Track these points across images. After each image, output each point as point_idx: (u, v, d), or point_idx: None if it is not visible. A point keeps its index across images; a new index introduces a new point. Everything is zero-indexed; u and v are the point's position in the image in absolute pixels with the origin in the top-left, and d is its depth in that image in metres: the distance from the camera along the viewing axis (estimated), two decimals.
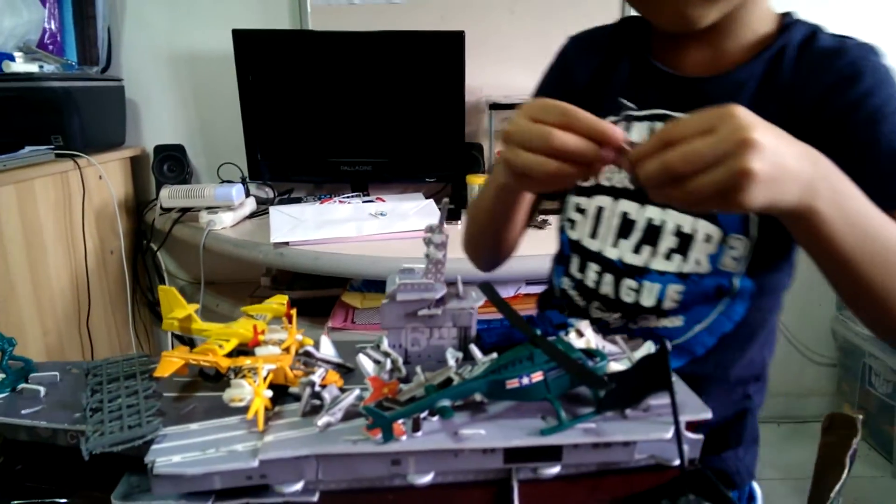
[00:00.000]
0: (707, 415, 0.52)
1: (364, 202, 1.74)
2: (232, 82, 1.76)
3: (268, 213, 1.68)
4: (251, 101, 1.79)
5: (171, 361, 0.53)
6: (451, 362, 0.55)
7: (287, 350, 0.56)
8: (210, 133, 1.97)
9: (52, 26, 1.68)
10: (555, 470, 0.51)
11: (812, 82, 0.69)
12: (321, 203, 1.72)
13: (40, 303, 1.47)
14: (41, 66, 1.56)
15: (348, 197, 1.80)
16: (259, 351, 0.55)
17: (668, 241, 0.73)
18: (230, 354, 0.55)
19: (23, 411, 0.51)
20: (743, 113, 0.47)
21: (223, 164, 1.87)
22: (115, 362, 0.57)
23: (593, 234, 0.79)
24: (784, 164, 0.48)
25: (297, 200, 1.81)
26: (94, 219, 1.67)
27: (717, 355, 0.75)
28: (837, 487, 0.61)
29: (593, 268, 0.79)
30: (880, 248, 0.56)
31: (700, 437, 0.53)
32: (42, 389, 0.53)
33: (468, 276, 0.63)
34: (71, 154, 1.56)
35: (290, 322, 0.59)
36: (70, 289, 1.58)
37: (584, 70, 0.84)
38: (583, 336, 0.56)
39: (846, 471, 0.61)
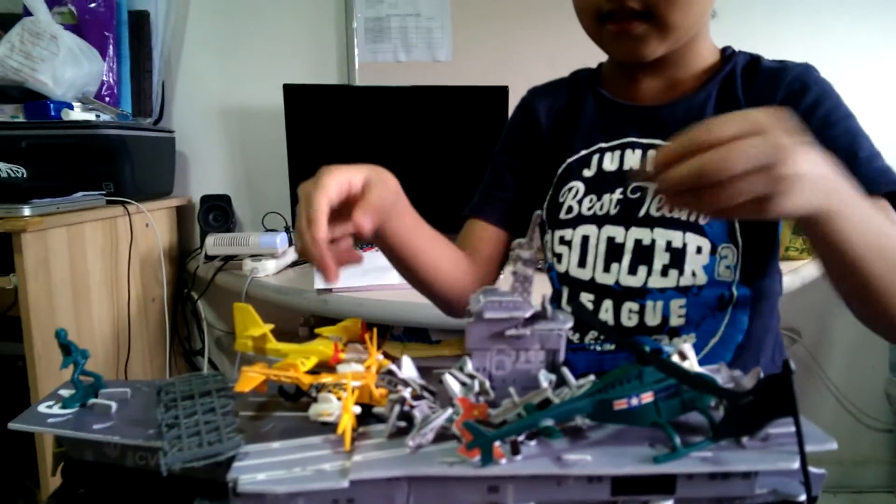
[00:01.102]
0: (832, 445, 0.48)
1: None
2: (279, 135, 1.80)
3: (309, 262, 1.67)
4: (298, 152, 1.81)
5: (252, 377, 0.50)
6: (545, 384, 0.51)
7: (369, 369, 0.53)
8: (256, 183, 2.00)
9: (111, 79, 1.74)
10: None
11: (765, 99, 0.75)
12: (364, 251, 1.71)
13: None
14: (98, 116, 1.60)
15: None
16: (341, 368, 0.52)
17: (661, 259, 0.76)
18: (310, 373, 0.52)
19: (94, 426, 0.48)
20: (786, 115, 0.47)
21: (268, 213, 1.88)
22: (188, 380, 0.55)
23: (581, 263, 0.81)
24: (817, 170, 0.49)
25: None
26: (138, 266, 1.67)
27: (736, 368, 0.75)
28: None
29: (586, 297, 0.81)
30: (885, 243, 0.57)
31: (823, 471, 0.48)
32: (113, 405, 0.51)
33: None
34: (121, 200, 1.57)
35: (371, 341, 0.56)
36: (111, 336, 1.57)
37: (548, 114, 0.91)
38: (686, 359, 0.52)
39: None
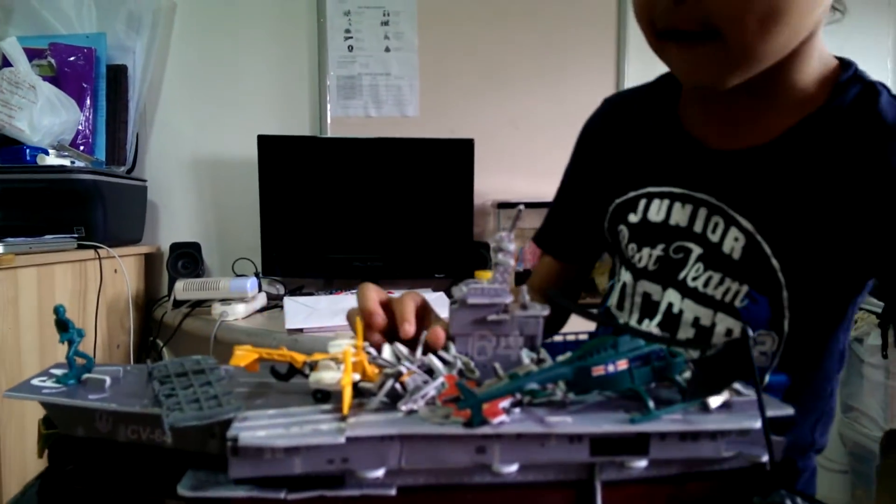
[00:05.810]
0: (789, 411, 0.52)
1: None
2: (251, 184, 1.84)
3: (279, 307, 1.69)
4: (270, 200, 1.85)
5: (244, 353, 0.52)
6: (527, 361, 0.55)
7: (359, 349, 0.55)
8: (226, 231, 2.02)
9: (86, 129, 1.77)
10: (641, 464, 0.49)
11: (875, 164, 0.60)
12: (335, 294, 1.73)
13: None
14: (72, 162, 1.62)
15: None
16: (332, 348, 0.54)
17: (685, 332, 0.69)
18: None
19: (90, 397, 0.49)
20: None
21: (238, 259, 1.90)
22: (179, 362, 0.56)
23: (619, 306, 0.76)
24: None
25: (308, 295, 1.82)
26: (105, 311, 1.65)
27: None
28: None
29: None
30: None
31: (783, 439, 0.52)
32: (108, 379, 0.52)
33: None
34: (92, 245, 1.58)
35: (357, 333, 0.59)
36: None
37: (617, 134, 0.81)
38: None
39: None
